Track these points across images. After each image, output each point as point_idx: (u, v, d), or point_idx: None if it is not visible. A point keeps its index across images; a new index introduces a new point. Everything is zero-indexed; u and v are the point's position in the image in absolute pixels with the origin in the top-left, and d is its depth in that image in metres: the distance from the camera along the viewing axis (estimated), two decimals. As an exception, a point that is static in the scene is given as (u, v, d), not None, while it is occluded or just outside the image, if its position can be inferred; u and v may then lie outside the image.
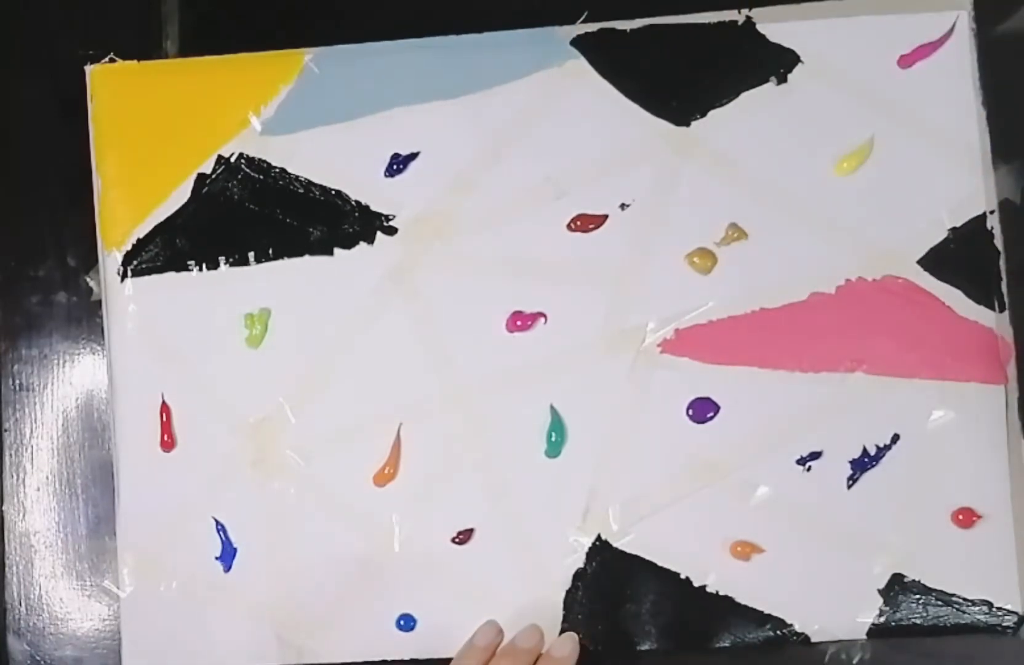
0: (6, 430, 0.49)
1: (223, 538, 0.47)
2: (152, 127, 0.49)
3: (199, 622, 0.47)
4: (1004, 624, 0.45)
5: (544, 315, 0.47)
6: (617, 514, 0.46)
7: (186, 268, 0.48)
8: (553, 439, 0.47)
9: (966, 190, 0.46)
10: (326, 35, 0.49)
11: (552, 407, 0.47)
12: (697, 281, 0.47)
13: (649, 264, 0.47)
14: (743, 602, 0.46)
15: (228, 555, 0.47)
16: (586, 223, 0.47)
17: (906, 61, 0.47)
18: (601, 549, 0.47)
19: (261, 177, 0.48)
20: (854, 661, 0.46)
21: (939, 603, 0.45)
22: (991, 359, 0.46)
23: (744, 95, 0.47)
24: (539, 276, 0.47)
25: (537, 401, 0.47)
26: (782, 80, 0.47)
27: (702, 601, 0.46)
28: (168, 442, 0.48)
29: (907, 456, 0.46)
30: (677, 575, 0.46)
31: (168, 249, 0.48)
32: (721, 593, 0.46)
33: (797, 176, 0.47)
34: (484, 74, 0.48)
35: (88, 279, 0.49)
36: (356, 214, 0.48)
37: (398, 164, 0.48)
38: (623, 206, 0.47)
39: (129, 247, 0.48)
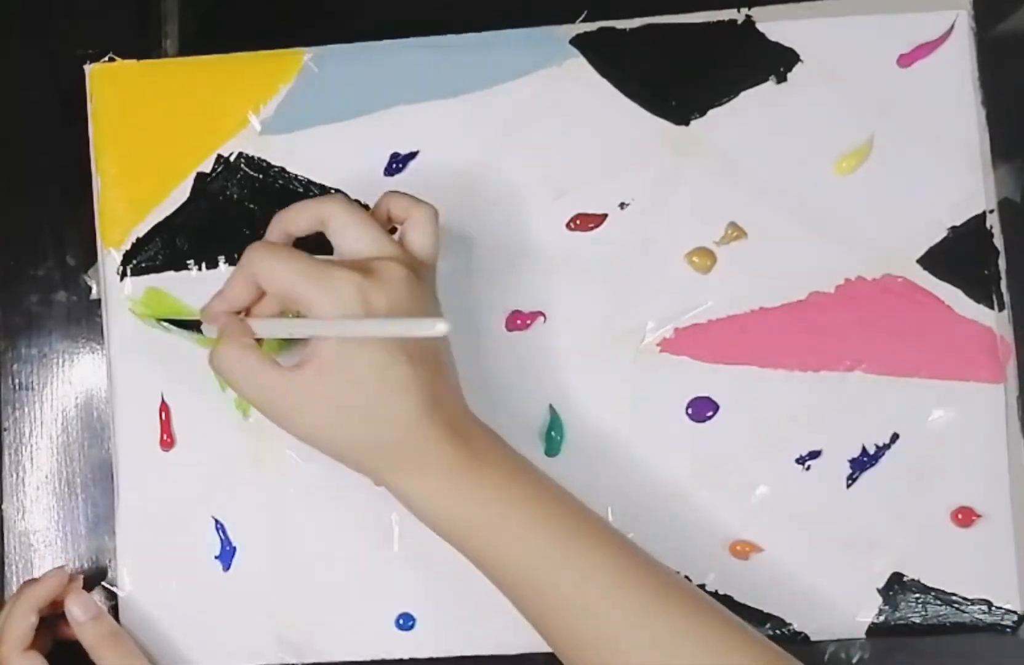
0: (6, 429, 0.49)
1: (222, 537, 0.47)
2: (152, 126, 0.49)
3: (198, 621, 0.47)
4: (1003, 623, 0.45)
5: (543, 314, 0.47)
6: (616, 513, 0.46)
7: (185, 267, 0.48)
8: (552, 438, 0.47)
9: (965, 189, 0.46)
10: (326, 35, 0.49)
11: (551, 406, 0.47)
12: (696, 280, 0.47)
13: (648, 263, 0.47)
14: (742, 601, 0.46)
15: (227, 554, 0.47)
16: (586, 222, 0.47)
17: (906, 60, 0.47)
18: (600, 548, 0.46)
19: (260, 176, 0.48)
20: (853, 660, 0.46)
21: (938, 602, 0.45)
22: (991, 358, 0.46)
23: (744, 94, 0.47)
24: (538, 275, 0.47)
25: (536, 400, 0.47)
26: (782, 79, 0.47)
27: (701, 600, 0.46)
28: (168, 441, 0.48)
29: (906, 455, 0.46)
30: (677, 574, 0.46)
31: (168, 248, 0.48)
32: (721, 592, 0.46)
33: (797, 175, 0.47)
34: (483, 73, 0.48)
35: (87, 278, 0.49)
36: (355, 213, 0.48)
37: (397, 163, 0.48)
38: (622, 205, 0.47)
39: (129, 246, 0.48)
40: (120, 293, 0.48)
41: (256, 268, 0.40)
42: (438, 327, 0.36)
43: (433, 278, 0.42)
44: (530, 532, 0.40)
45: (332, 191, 0.48)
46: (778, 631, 0.45)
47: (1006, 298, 0.46)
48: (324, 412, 0.39)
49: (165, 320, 0.46)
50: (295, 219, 0.42)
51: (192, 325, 0.45)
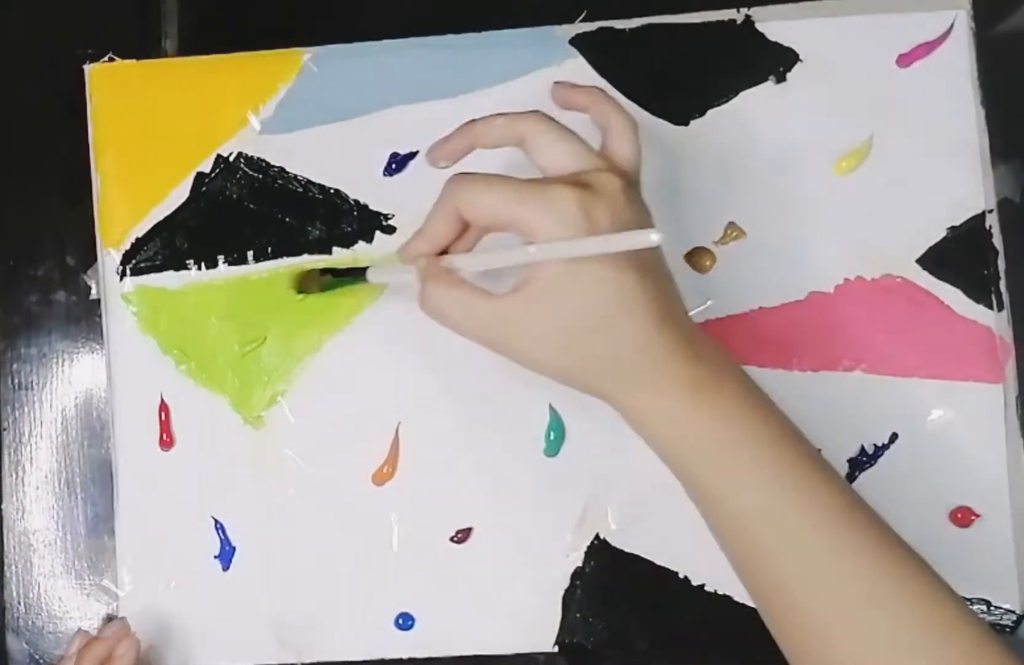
0: (5, 429, 0.49)
1: (222, 537, 0.47)
2: (151, 126, 0.49)
3: (198, 621, 0.47)
4: (1003, 623, 0.45)
5: (543, 314, 0.47)
6: (615, 513, 0.46)
7: (185, 267, 0.48)
8: (552, 438, 0.47)
9: (965, 189, 0.46)
10: (325, 35, 0.49)
11: (551, 406, 0.47)
12: (696, 280, 0.47)
13: (648, 263, 0.47)
14: (742, 601, 0.46)
15: (227, 554, 0.47)
16: (585, 222, 0.47)
17: (905, 60, 0.47)
18: (599, 548, 0.47)
19: (260, 176, 0.48)
20: (853, 660, 0.46)
21: (937, 602, 0.45)
22: (990, 358, 0.46)
23: (743, 94, 0.47)
24: (538, 275, 0.47)
25: (536, 400, 0.47)
26: (781, 79, 0.47)
27: (700, 600, 0.46)
28: (167, 441, 0.48)
29: (905, 455, 0.46)
30: (675, 574, 0.46)
31: (167, 248, 0.48)
32: (720, 592, 0.46)
33: (796, 175, 0.47)
34: (483, 73, 0.48)
35: (87, 278, 0.49)
36: (355, 213, 0.48)
37: (397, 163, 0.48)
38: (622, 205, 0.47)
39: (128, 246, 0.48)
40: (119, 293, 0.48)
41: (459, 199, 0.37)
42: (652, 236, 0.34)
43: (639, 188, 0.39)
44: (766, 467, 0.37)
45: (332, 191, 0.48)
46: (777, 631, 0.45)
47: (1005, 298, 0.46)
48: (550, 334, 0.37)
49: (327, 272, 0.46)
50: (488, 133, 0.39)
51: (356, 272, 0.45)
